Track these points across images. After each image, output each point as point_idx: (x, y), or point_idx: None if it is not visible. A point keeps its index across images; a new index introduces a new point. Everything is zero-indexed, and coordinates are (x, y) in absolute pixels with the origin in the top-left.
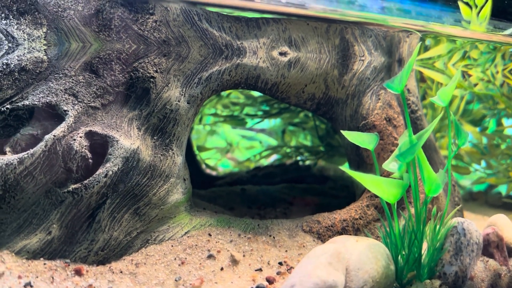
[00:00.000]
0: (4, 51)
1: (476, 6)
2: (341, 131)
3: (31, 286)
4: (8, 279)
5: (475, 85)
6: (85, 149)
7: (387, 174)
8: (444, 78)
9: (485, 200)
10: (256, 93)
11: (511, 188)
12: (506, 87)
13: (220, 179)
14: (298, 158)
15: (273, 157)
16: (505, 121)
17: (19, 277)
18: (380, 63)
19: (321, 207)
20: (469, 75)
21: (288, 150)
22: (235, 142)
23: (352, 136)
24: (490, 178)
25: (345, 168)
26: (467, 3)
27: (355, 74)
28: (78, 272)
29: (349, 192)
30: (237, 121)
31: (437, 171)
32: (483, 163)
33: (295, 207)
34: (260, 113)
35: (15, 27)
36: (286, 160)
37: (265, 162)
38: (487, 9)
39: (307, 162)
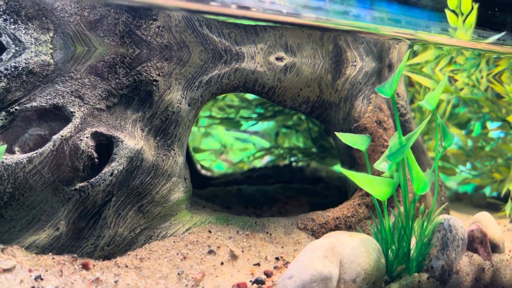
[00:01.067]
0: (12, 54)
1: (462, 14)
2: (335, 133)
3: (41, 279)
4: (19, 272)
5: (461, 89)
6: (91, 149)
7: (378, 174)
8: (432, 83)
9: (470, 200)
10: (250, 96)
11: (494, 188)
12: (490, 91)
13: (215, 180)
14: (292, 159)
15: (267, 159)
16: (489, 124)
17: (30, 270)
18: (371, 68)
19: (314, 206)
20: (455, 80)
21: (282, 151)
22: (229, 144)
23: (346, 138)
24: (475, 179)
25: (340, 168)
26: (453, 11)
27: (348, 78)
28: (85, 266)
29: (341, 193)
30: (232, 123)
31: (425, 171)
32: (468, 164)
33: (290, 206)
34: (254, 115)
35: (23, 31)
36: (279, 161)
37: (258, 163)
38: (473, 17)
39: (300, 164)
